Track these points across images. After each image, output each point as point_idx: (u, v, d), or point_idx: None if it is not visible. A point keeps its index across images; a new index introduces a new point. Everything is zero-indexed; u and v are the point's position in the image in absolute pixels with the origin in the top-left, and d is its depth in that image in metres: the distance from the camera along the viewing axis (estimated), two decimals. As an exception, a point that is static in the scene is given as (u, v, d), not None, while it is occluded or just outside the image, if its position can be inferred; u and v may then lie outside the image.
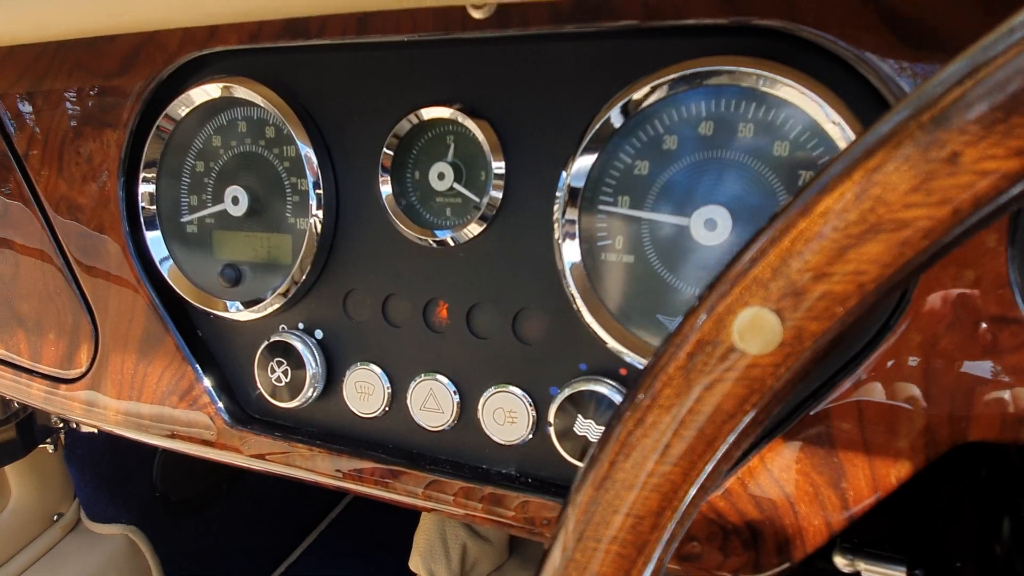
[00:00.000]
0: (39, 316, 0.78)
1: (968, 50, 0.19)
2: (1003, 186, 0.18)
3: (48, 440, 1.41)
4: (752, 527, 0.51)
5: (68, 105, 0.73)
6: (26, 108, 0.76)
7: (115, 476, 1.51)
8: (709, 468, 0.23)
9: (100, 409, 0.76)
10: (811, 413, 0.49)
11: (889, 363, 0.47)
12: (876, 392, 0.47)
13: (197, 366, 0.71)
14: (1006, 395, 0.45)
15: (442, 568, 1.12)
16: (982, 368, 0.45)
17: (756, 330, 0.22)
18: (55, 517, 1.48)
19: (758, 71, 0.48)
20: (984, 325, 0.45)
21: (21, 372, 0.80)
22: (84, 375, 0.76)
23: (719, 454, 0.23)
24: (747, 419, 0.22)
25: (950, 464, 0.49)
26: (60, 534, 1.50)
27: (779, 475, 0.50)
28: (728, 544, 0.52)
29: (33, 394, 0.80)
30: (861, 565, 0.54)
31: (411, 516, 1.26)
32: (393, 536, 1.35)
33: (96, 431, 1.47)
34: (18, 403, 1.37)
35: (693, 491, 0.23)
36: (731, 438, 0.23)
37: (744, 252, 0.22)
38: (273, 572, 1.74)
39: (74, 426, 1.43)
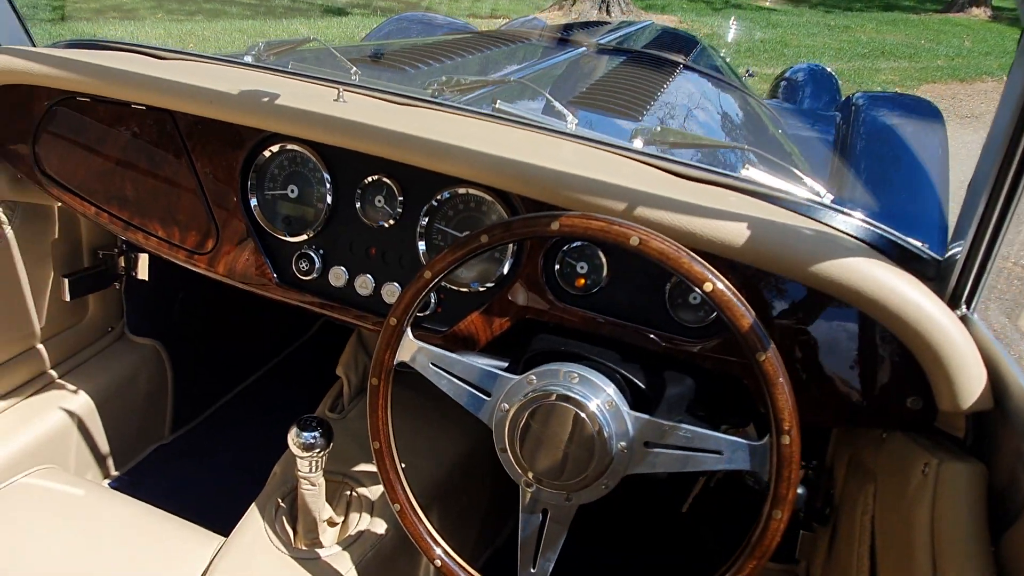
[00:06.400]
0: (188, 222, 1.72)
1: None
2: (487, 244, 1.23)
3: (117, 280, 2.32)
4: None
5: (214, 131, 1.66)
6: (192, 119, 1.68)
7: (149, 307, 2.43)
8: (435, 281, 1.28)
9: (215, 269, 1.73)
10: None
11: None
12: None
13: (266, 258, 1.69)
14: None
15: (352, 374, 2.15)
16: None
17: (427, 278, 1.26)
18: (109, 328, 2.40)
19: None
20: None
21: (173, 246, 1.75)
22: (209, 252, 1.72)
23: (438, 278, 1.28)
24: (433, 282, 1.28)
25: None
26: (112, 340, 2.42)
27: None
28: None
29: (179, 256, 1.74)
30: None
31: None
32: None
33: (147, 279, 2.39)
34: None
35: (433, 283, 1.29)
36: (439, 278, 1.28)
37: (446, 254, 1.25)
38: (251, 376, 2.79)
39: (133, 274, 2.34)
